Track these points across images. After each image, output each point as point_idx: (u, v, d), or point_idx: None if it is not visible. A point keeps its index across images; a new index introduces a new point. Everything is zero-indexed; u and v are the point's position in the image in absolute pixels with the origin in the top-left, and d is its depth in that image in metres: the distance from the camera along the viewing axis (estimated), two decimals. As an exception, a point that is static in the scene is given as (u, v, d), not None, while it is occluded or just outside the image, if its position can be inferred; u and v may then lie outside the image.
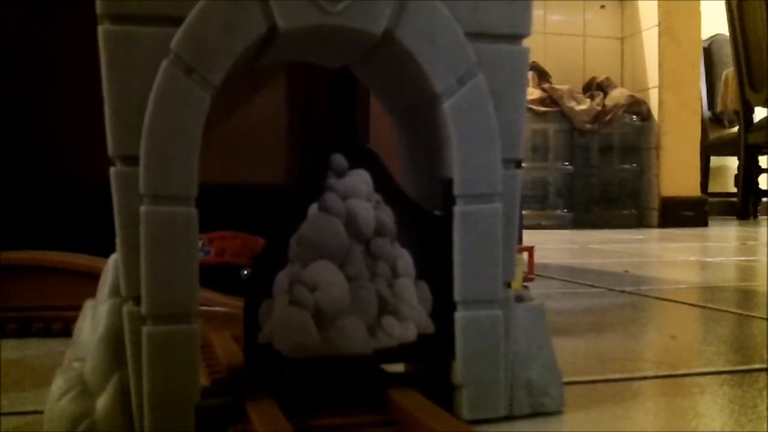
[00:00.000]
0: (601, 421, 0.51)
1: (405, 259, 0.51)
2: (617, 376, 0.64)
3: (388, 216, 0.51)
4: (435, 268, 0.51)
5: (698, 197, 3.72)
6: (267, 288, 0.48)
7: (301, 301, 0.48)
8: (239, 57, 0.46)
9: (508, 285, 0.53)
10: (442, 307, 0.51)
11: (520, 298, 0.54)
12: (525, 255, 1.09)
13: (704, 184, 3.95)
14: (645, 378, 0.64)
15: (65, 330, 0.78)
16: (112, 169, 0.45)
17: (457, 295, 0.51)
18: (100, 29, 0.44)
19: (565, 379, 0.55)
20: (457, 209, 0.51)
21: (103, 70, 0.44)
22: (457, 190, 0.50)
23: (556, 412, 0.53)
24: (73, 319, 0.50)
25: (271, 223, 0.49)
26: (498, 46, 0.51)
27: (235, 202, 1.00)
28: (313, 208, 0.49)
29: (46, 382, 0.47)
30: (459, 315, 0.51)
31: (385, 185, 0.51)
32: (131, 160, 0.45)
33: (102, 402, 0.45)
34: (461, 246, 0.50)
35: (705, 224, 3.66)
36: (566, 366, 0.63)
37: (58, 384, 0.45)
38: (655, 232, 3.29)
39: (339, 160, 0.50)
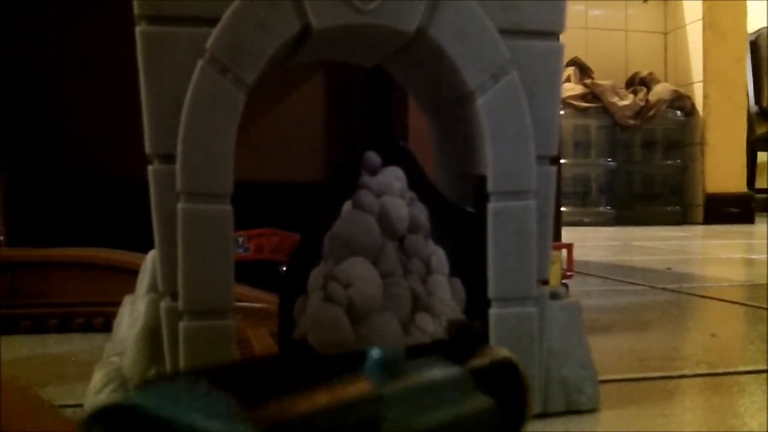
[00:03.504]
0: (636, 420, 0.51)
1: (438, 256, 0.51)
2: (655, 374, 0.63)
3: (421, 213, 0.51)
4: (469, 265, 0.51)
5: (744, 193, 3.66)
6: (301, 284, 0.48)
7: (334, 297, 0.48)
8: (273, 56, 0.46)
9: (544, 282, 0.53)
10: (476, 304, 0.51)
11: (555, 296, 0.53)
12: (564, 252, 1.08)
13: (750, 180, 3.88)
14: (683, 376, 0.63)
15: (106, 325, 0.79)
16: (149, 167, 0.46)
17: (491, 292, 0.51)
18: (138, 30, 0.45)
19: (602, 377, 0.54)
20: (491, 206, 0.50)
21: (140, 70, 0.45)
22: (490, 187, 0.50)
23: (592, 410, 0.52)
24: (114, 315, 0.51)
25: (305, 220, 0.50)
26: (532, 42, 0.51)
27: (273, 199, 1.01)
28: (347, 206, 0.50)
29: (87, 377, 0.48)
30: (493, 312, 0.51)
31: (418, 182, 0.51)
32: (168, 158, 0.45)
33: (140, 396, 0.45)
34: (495, 243, 0.50)
35: (751, 221, 3.60)
36: (604, 364, 0.62)
37: (97, 378, 0.46)
38: (699, 229, 3.25)
39: (372, 157, 0.50)
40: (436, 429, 0.26)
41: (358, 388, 0.25)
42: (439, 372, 0.28)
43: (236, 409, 0.21)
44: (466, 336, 0.31)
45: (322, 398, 0.23)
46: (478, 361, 0.30)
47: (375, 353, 0.26)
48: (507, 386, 0.30)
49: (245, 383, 0.23)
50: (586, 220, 3.54)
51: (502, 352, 0.31)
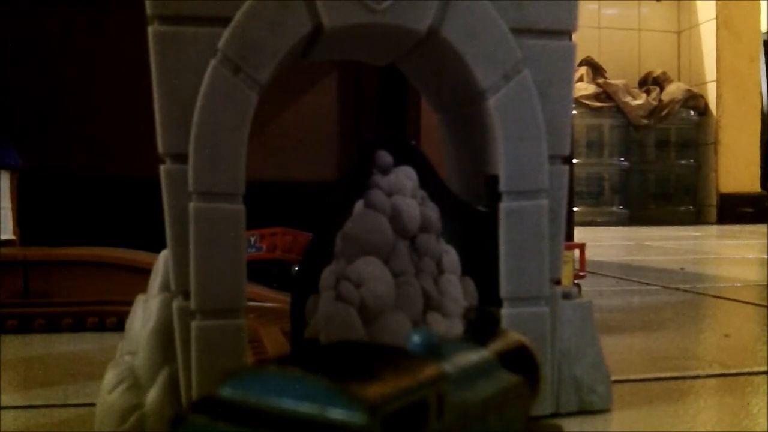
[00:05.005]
0: (649, 420, 0.51)
1: (450, 256, 0.51)
2: (668, 374, 0.63)
3: (433, 212, 0.51)
4: (480, 265, 0.51)
5: (758, 193, 3.64)
6: (313, 284, 0.48)
7: (346, 296, 0.48)
8: (285, 56, 0.46)
9: (557, 282, 0.52)
10: (488, 304, 0.51)
11: (567, 296, 0.53)
12: (576, 252, 1.08)
13: (764, 180, 3.86)
14: (697, 377, 0.63)
15: (119, 324, 0.80)
16: (161, 167, 0.46)
17: (503, 291, 0.50)
18: (150, 30, 0.45)
19: (615, 378, 0.54)
20: (503, 206, 0.50)
21: (153, 69, 0.45)
22: (502, 186, 0.50)
23: (604, 410, 0.52)
24: (127, 314, 0.51)
25: (317, 219, 0.50)
26: (544, 41, 0.51)
27: (286, 198, 1.01)
28: (359, 205, 0.50)
29: (99, 375, 0.48)
30: (505, 311, 0.51)
31: (430, 182, 0.51)
32: (180, 157, 0.45)
33: (152, 395, 0.46)
34: (507, 242, 0.50)
35: (765, 221, 3.58)
36: (617, 364, 0.62)
37: (109, 377, 0.46)
38: (713, 229, 3.23)
39: (384, 157, 0.50)
40: (483, 402, 0.28)
41: (431, 369, 0.25)
42: (473, 353, 0.30)
43: (343, 392, 0.22)
44: (485, 321, 0.33)
45: (404, 381, 0.24)
46: (499, 344, 0.32)
47: (416, 338, 0.27)
48: (523, 365, 0.32)
49: (327, 369, 0.23)
50: (599, 219, 3.53)
51: (516, 335, 0.34)
